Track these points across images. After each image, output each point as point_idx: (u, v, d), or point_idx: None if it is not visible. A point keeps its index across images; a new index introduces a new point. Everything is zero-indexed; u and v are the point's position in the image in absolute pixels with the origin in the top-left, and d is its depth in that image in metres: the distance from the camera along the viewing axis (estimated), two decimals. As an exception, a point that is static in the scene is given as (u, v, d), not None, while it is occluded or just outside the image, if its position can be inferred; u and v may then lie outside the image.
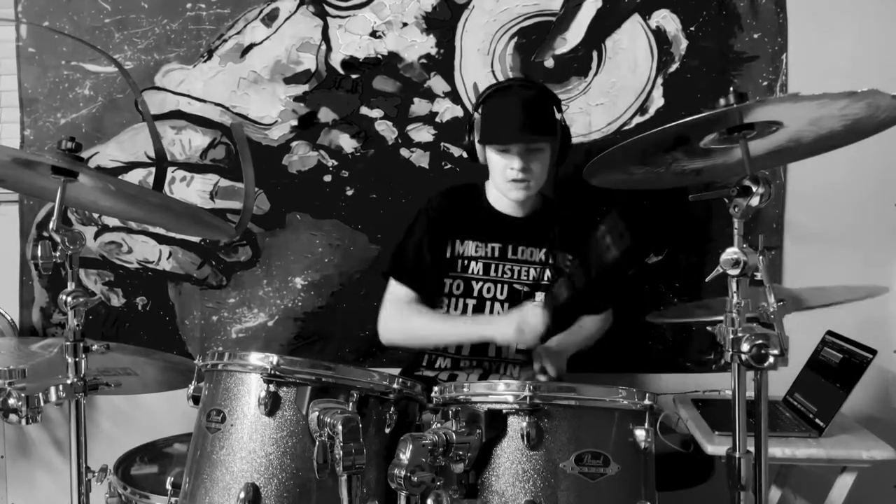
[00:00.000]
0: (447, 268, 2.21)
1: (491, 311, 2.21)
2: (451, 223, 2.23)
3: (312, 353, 2.62)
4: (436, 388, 1.62)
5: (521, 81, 2.35)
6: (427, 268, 2.19)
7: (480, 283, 2.21)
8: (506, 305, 2.20)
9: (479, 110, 2.17)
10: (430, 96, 2.60)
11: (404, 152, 2.62)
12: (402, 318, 2.19)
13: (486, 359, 2.23)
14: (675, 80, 2.58)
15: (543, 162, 2.15)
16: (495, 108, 2.15)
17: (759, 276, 1.44)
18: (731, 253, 1.42)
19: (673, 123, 1.41)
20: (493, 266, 2.22)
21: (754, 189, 1.42)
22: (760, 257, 1.44)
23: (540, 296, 2.18)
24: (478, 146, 2.19)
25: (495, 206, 2.26)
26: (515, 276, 2.22)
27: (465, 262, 2.22)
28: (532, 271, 2.23)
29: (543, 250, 2.24)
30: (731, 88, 1.47)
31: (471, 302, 2.21)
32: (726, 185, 1.46)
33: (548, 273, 2.23)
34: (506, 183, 2.15)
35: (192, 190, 2.64)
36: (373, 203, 2.63)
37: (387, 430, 1.60)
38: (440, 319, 2.17)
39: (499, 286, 2.21)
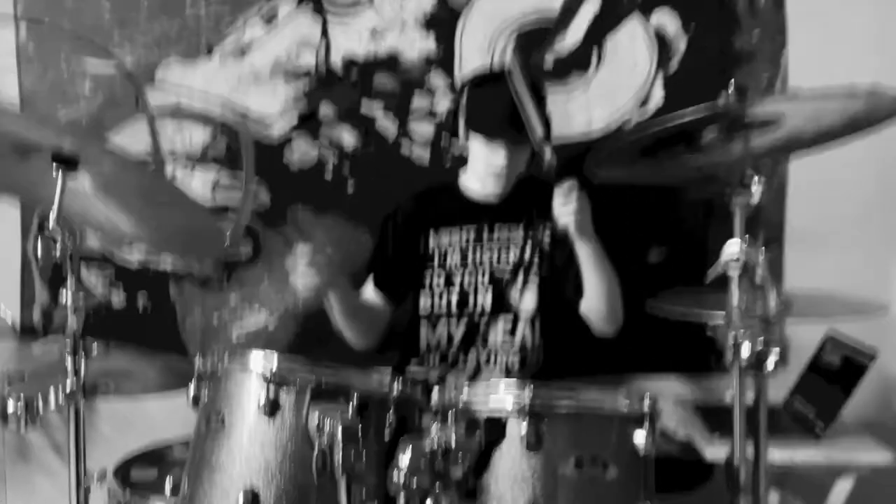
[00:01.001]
0: (423, 261, 2.22)
1: (475, 301, 2.20)
2: (422, 220, 2.24)
3: (313, 354, 2.61)
4: (435, 392, 1.62)
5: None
6: (397, 266, 2.24)
7: (461, 271, 2.21)
8: (490, 290, 2.20)
9: (468, 93, 2.15)
10: (430, 94, 2.60)
11: (404, 149, 2.61)
12: None
13: (473, 347, 2.23)
14: (674, 78, 2.57)
15: (525, 155, 2.15)
16: (487, 97, 2.12)
17: (758, 279, 1.44)
18: (730, 252, 1.41)
19: (673, 123, 1.41)
20: (469, 251, 2.21)
21: (754, 185, 1.42)
22: (761, 258, 1.43)
23: (520, 278, 2.20)
24: (461, 129, 2.17)
25: (469, 193, 2.26)
26: (496, 260, 2.21)
27: (442, 251, 2.22)
28: (513, 250, 2.21)
29: (521, 225, 2.22)
30: (731, 82, 1.47)
31: (454, 291, 2.22)
32: (726, 182, 1.46)
33: (528, 250, 2.20)
34: (485, 173, 2.16)
35: (193, 186, 2.63)
36: (374, 199, 2.63)
37: (386, 434, 1.59)
38: None
39: (479, 272, 2.21)
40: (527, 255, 2.20)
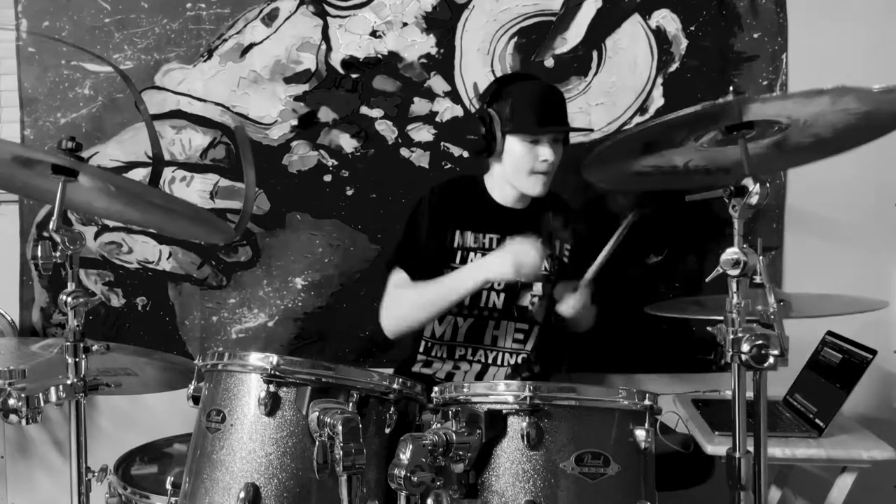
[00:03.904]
0: (448, 258, 2.18)
1: (488, 301, 2.19)
2: (452, 213, 2.20)
3: (312, 354, 2.61)
4: (436, 389, 1.62)
5: (526, 76, 2.32)
6: (427, 255, 2.16)
7: None
8: (502, 296, 2.20)
9: (502, 100, 2.12)
10: (430, 96, 2.60)
11: (404, 152, 2.62)
12: (398, 298, 2.15)
13: (481, 346, 2.22)
14: (675, 79, 2.58)
15: (561, 153, 2.15)
16: (526, 97, 2.12)
17: (758, 279, 1.44)
18: (731, 253, 1.42)
19: (671, 115, 1.41)
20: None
21: (751, 188, 1.43)
22: (761, 258, 1.44)
23: (538, 286, 2.21)
24: (499, 138, 2.13)
25: (495, 199, 2.24)
26: None
27: (465, 252, 2.20)
28: None
29: (540, 241, 2.22)
30: (731, 88, 1.47)
31: None
32: (724, 185, 1.47)
33: (545, 264, 2.19)
34: (529, 176, 2.12)
35: (192, 190, 2.64)
36: (373, 203, 2.63)
37: (387, 431, 1.59)
38: (433, 283, 2.10)
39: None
40: (545, 266, 2.19)
